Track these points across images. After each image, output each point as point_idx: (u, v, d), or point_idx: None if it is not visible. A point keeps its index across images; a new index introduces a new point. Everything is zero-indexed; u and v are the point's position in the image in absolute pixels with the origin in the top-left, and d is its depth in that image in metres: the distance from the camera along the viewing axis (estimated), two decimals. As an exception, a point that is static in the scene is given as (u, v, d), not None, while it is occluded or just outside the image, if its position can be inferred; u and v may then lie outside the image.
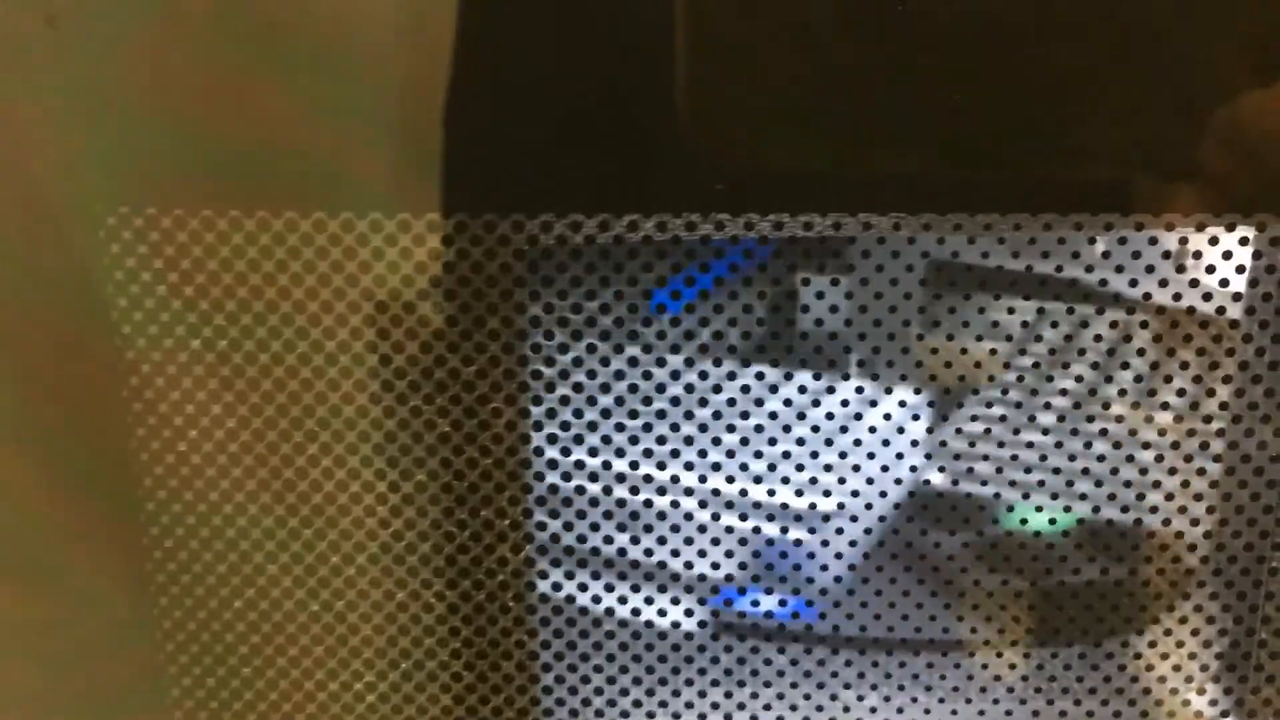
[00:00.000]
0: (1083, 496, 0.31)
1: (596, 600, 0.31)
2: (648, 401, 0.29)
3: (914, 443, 0.31)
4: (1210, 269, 0.28)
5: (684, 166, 0.26)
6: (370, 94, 0.27)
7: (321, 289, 0.28)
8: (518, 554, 0.30)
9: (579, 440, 0.30)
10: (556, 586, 0.31)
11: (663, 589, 0.32)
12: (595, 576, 0.31)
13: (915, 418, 0.31)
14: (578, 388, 0.29)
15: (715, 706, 0.32)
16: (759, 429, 0.30)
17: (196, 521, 0.30)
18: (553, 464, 0.30)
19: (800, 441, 0.30)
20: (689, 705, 0.32)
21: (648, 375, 0.29)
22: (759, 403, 0.30)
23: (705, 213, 0.26)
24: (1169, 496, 0.30)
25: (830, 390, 0.30)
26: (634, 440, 0.30)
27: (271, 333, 0.28)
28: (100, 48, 0.27)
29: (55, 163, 0.28)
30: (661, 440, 0.30)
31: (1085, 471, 0.31)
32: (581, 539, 0.31)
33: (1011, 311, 0.30)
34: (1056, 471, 0.31)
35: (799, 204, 0.25)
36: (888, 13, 0.24)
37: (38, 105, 0.28)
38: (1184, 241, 0.28)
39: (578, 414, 0.29)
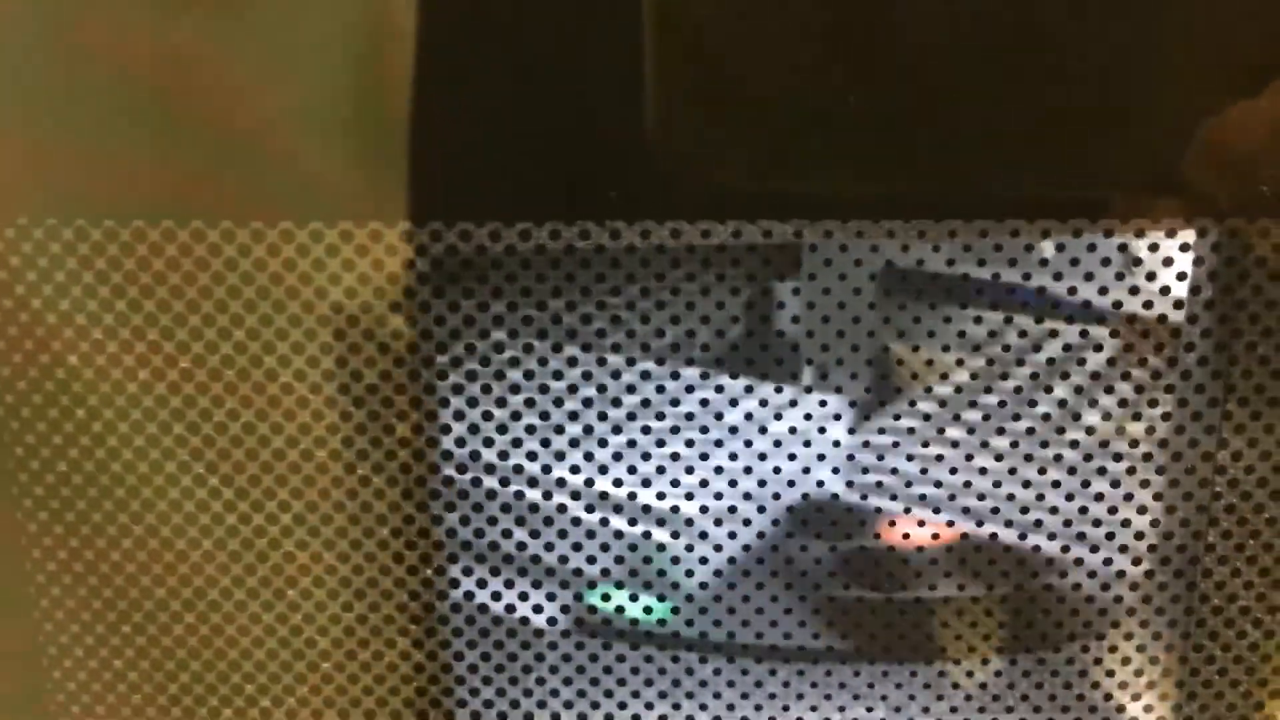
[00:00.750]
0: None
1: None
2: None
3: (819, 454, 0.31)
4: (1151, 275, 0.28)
5: (645, 174, 0.25)
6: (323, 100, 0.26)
7: (230, 300, 0.27)
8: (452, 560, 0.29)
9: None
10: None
11: (537, 585, 0.32)
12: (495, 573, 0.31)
13: (835, 419, 0.31)
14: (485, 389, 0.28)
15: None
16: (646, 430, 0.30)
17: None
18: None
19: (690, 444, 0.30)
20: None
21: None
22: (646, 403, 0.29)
23: (662, 220, 0.25)
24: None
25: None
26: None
27: (184, 332, 0.27)
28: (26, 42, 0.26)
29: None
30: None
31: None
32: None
33: (948, 320, 0.30)
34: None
35: (761, 211, 0.25)
36: (853, 29, 0.24)
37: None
38: (1123, 249, 0.28)
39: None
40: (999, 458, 0.30)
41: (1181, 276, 0.28)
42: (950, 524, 0.31)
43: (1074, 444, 0.31)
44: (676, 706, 0.32)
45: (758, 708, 0.32)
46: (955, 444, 0.31)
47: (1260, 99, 0.25)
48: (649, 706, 0.31)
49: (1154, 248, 0.27)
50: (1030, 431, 0.30)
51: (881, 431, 0.31)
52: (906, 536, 0.31)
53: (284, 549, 0.29)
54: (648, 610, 0.32)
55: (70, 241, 0.26)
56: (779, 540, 0.32)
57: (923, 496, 0.31)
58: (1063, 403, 0.30)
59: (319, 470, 0.28)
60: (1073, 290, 0.29)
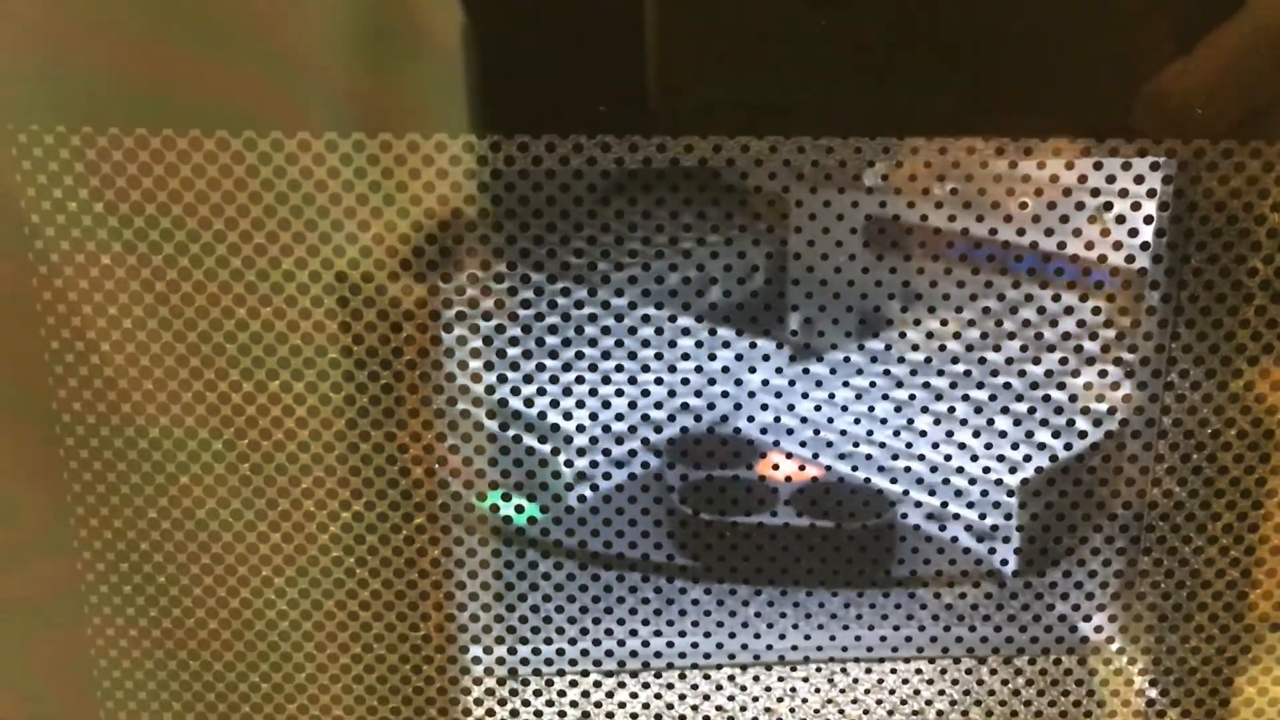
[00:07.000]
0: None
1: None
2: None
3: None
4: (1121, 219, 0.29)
5: (641, 95, 0.26)
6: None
7: (254, 206, 0.27)
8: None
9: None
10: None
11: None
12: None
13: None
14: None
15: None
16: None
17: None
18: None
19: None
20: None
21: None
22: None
23: (649, 135, 0.26)
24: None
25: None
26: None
27: (196, 247, 0.28)
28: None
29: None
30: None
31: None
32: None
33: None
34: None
35: (726, 128, 0.26)
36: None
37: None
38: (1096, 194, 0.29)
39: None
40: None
41: (1149, 220, 0.29)
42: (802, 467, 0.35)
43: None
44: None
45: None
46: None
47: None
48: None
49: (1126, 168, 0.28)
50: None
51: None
52: (776, 468, 0.34)
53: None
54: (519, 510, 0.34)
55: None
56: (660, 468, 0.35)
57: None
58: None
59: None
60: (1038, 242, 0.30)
